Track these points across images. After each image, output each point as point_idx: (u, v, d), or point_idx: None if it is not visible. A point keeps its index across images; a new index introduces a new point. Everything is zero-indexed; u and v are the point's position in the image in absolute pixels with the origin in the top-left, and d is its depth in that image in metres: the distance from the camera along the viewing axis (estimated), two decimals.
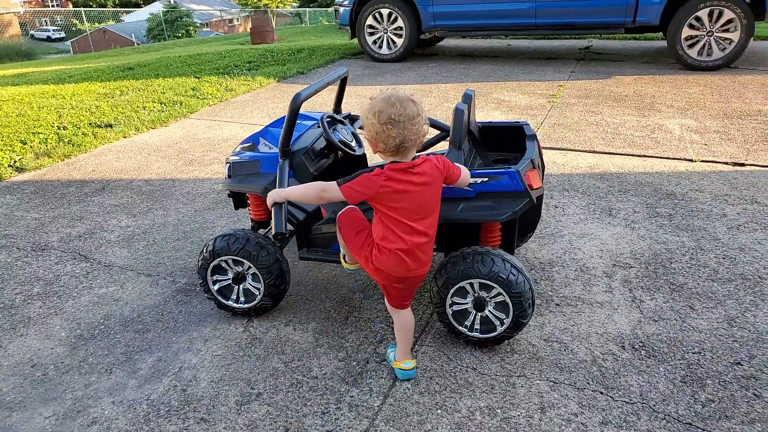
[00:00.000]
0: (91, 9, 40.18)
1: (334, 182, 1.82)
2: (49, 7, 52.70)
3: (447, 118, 2.17)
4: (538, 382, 2.00)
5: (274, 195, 2.01)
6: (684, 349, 2.13)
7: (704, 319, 2.29)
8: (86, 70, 8.99)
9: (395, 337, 2.07)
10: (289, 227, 2.32)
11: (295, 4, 45.43)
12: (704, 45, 6.40)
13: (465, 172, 1.97)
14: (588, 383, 1.98)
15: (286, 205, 2.03)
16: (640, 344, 2.16)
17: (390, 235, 1.84)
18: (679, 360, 2.07)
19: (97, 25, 37.05)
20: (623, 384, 1.97)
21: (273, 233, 1.96)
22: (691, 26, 6.33)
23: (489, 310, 2.09)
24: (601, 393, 1.94)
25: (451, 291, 2.08)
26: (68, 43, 35.02)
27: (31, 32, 40.32)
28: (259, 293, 2.32)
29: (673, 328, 2.24)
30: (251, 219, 2.54)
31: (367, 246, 1.94)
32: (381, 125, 1.72)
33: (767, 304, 2.36)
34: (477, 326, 2.12)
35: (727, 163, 3.82)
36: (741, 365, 2.03)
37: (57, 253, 3.07)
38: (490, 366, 2.08)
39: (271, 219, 2.07)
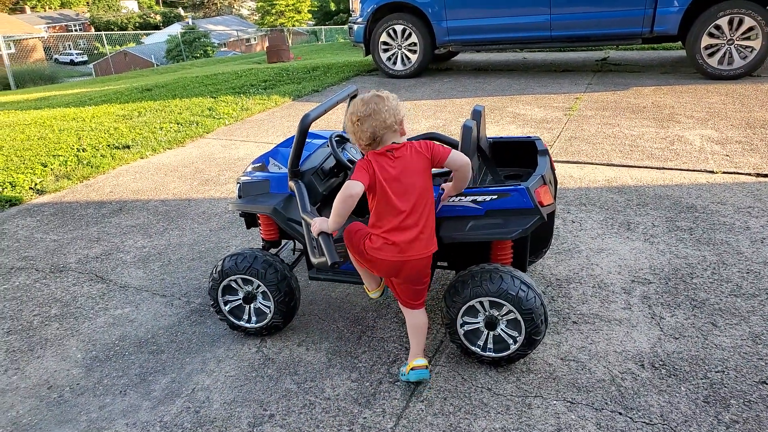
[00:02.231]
0: (113, 33, 41.19)
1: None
2: (72, 31, 54.21)
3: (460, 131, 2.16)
4: (554, 402, 1.95)
5: (320, 227, 1.98)
6: (706, 367, 2.06)
7: (727, 336, 2.22)
8: (106, 93, 9.20)
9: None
10: (299, 246, 2.32)
11: (311, 22, 46.06)
12: (725, 53, 6.30)
13: (458, 154, 1.98)
14: (606, 403, 1.93)
15: (331, 235, 1.99)
16: (661, 363, 2.10)
17: (379, 222, 1.96)
18: (701, 379, 2.01)
19: (118, 47, 37.94)
20: (643, 404, 1.91)
21: (329, 263, 1.93)
22: (711, 35, 6.24)
23: (501, 329, 2.05)
24: (620, 414, 1.88)
25: (461, 310, 2.06)
26: (90, 66, 35.89)
27: (55, 56, 41.43)
28: (270, 311, 2.32)
29: (694, 346, 2.18)
30: (262, 239, 2.54)
31: (362, 240, 2.01)
32: (353, 124, 1.96)
33: None
34: (490, 345, 2.09)
35: (750, 174, 3.73)
36: (767, 384, 1.96)
37: (74, 275, 3.11)
38: (506, 386, 2.04)
39: (315, 248, 2.03)
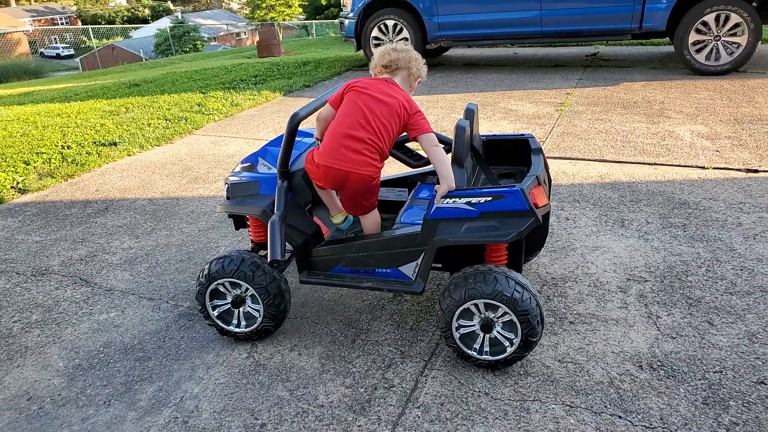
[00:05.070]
0: (100, 26, 40.62)
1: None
2: (58, 25, 53.44)
3: (453, 130, 2.11)
4: (553, 406, 1.91)
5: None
6: (704, 368, 2.04)
7: (724, 335, 2.20)
8: (92, 88, 9.04)
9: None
10: (289, 248, 2.26)
11: (301, 17, 45.69)
12: (712, 49, 6.31)
13: (429, 139, 2.13)
14: (605, 407, 1.90)
15: (284, 228, 1.97)
16: (659, 363, 2.07)
17: (331, 130, 2.16)
18: (699, 380, 1.98)
19: (105, 41, 37.45)
20: (642, 407, 1.88)
21: (269, 260, 1.90)
22: (698, 31, 6.25)
23: (497, 331, 2.01)
24: (620, 417, 1.85)
25: (456, 313, 2.01)
26: (77, 60, 35.40)
27: (41, 50, 40.86)
28: (260, 315, 2.26)
29: (691, 346, 2.15)
30: (251, 240, 2.48)
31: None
32: (383, 50, 2.28)
33: None
34: (486, 348, 2.05)
35: (740, 170, 3.72)
36: (765, 384, 1.94)
37: (57, 278, 3.02)
38: (503, 390, 2.00)
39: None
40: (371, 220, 2.32)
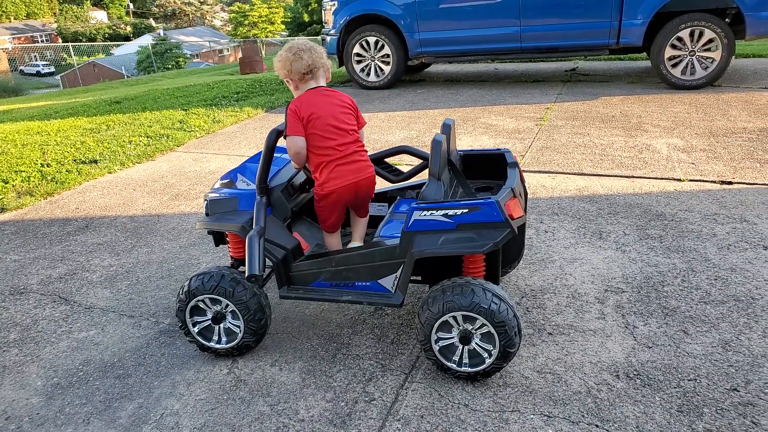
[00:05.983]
0: (81, 44, 40.41)
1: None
2: (38, 42, 53.11)
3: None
4: (531, 416, 1.94)
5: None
6: (679, 376, 2.08)
7: (698, 344, 2.24)
8: (73, 105, 8.99)
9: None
10: (268, 263, 2.27)
11: (284, 33, 45.97)
12: (687, 64, 6.47)
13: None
14: (583, 416, 1.92)
15: (262, 243, 1.99)
16: (635, 372, 2.11)
17: (324, 158, 2.20)
18: (674, 388, 2.02)
19: (86, 58, 37.28)
20: (619, 416, 1.91)
21: (246, 275, 1.91)
22: (674, 46, 6.41)
23: (475, 343, 2.04)
24: (597, 426, 1.87)
25: (435, 326, 2.04)
26: (58, 77, 35.17)
27: (21, 68, 40.55)
28: (240, 331, 2.26)
29: (667, 354, 2.19)
30: (231, 256, 2.49)
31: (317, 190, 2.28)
32: (293, 54, 2.18)
33: (761, 326, 2.32)
34: (465, 360, 2.07)
35: (714, 182, 3.81)
36: (738, 391, 1.98)
37: (36, 297, 2.99)
38: (483, 401, 2.02)
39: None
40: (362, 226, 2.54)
